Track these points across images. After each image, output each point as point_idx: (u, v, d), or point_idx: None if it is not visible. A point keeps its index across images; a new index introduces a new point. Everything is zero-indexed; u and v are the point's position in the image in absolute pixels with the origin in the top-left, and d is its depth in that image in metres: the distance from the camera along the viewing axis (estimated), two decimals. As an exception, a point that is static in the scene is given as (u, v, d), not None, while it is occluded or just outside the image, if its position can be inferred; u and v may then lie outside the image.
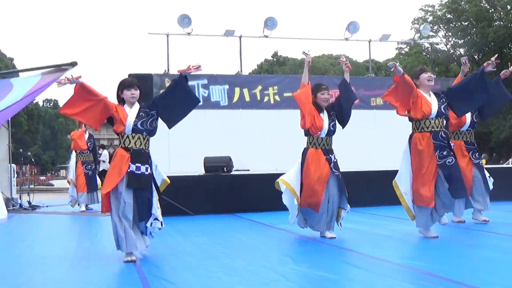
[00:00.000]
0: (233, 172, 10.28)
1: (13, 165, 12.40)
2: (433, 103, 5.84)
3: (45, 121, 56.53)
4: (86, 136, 10.99)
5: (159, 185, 5.16)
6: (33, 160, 14.40)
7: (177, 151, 11.41)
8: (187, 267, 4.59)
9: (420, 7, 44.26)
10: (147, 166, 4.98)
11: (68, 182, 11.63)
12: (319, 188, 5.90)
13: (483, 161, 7.13)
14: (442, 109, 5.84)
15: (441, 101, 5.87)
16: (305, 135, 6.18)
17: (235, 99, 12.46)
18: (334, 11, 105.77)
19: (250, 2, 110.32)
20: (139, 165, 4.91)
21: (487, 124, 32.46)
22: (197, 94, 11.08)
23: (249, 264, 4.62)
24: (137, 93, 5.06)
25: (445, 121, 6.14)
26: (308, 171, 5.97)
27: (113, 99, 5.10)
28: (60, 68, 4.07)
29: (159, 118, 5.15)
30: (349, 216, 6.47)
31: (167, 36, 12.97)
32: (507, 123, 33.69)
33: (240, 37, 13.53)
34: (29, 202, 12.26)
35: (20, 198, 12.26)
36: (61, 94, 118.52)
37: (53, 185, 27.43)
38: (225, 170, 10.02)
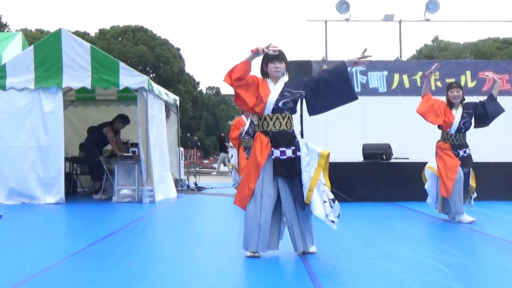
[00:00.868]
0: (392, 160, 10.11)
1: (181, 148, 13.27)
2: None
3: (208, 107, 59.61)
4: (248, 122, 11.36)
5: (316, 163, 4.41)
6: (198, 144, 15.32)
7: (335, 138, 11.43)
8: (347, 253, 4.63)
9: None
10: (293, 148, 4.47)
11: (230, 166, 12.16)
12: (451, 176, 6.52)
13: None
14: None
15: None
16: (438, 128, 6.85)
17: (394, 85, 12.16)
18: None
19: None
20: (284, 148, 4.44)
21: None
22: (354, 81, 11.02)
23: (413, 253, 4.54)
24: (282, 66, 4.54)
25: None
26: (438, 162, 6.74)
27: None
28: None
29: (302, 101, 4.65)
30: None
31: (325, 22, 13.02)
32: None
33: (399, 22, 13.18)
34: (195, 184, 13.10)
35: (187, 180, 13.15)
36: (222, 82, 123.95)
37: (215, 169, 28.96)
38: (384, 158, 9.89)
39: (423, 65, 12.87)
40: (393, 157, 10.31)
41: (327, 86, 4.54)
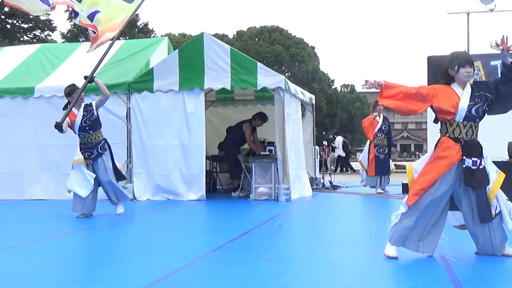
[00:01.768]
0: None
1: (316, 146, 13.33)
2: None
3: (343, 105, 59.24)
4: (381, 120, 11.13)
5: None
6: (333, 142, 15.29)
7: (481, 136, 10.86)
8: (496, 260, 4.36)
9: None
10: (482, 159, 4.33)
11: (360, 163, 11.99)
12: None
13: None
14: None
15: None
16: None
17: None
18: None
19: None
20: (476, 159, 4.28)
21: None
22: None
23: None
24: (472, 71, 4.34)
25: None
26: None
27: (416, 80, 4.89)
28: None
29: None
30: None
31: (468, 14, 12.43)
32: None
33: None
34: (330, 182, 13.09)
35: (322, 178, 13.18)
36: (357, 79, 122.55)
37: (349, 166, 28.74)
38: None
39: None
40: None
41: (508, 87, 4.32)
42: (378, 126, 11.06)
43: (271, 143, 10.50)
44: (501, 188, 4.33)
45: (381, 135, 11.10)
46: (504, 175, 4.35)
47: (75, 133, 7.27)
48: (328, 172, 13.79)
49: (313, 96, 12.97)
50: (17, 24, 37.85)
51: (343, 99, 60.44)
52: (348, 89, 66.05)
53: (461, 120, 4.33)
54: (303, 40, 52.83)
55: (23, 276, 3.94)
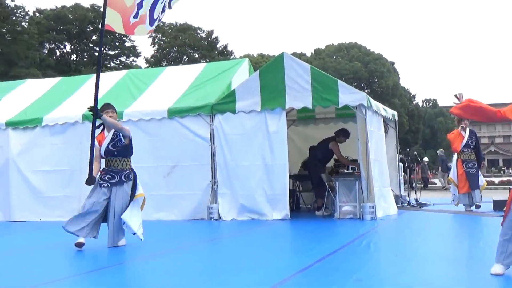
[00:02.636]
0: None
1: (400, 163, 13.03)
2: None
3: (425, 120, 57.76)
4: (467, 134, 10.73)
5: None
6: (418, 159, 14.90)
7: None
8: None
9: None
10: None
11: (449, 181, 11.60)
12: None
13: None
14: None
15: None
16: None
17: None
18: None
19: None
20: None
21: None
22: None
23: None
24: None
25: None
26: None
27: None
28: None
29: None
30: None
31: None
32: None
33: None
34: (416, 200, 12.74)
35: (408, 196, 12.85)
36: (439, 93, 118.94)
37: (435, 184, 27.84)
38: None
39: None
40: None
41: None
42: (464, 141, 10.67)
43: (354, 161, 10.38)
44: None
45: (468, 150, 10.71)
46: None
47: (102, 156, 6.79)
48: (414, 189, 13.43)
49: (395, 113, 12.73)
50: (104, 51, 39.67)
51: (425, 114, 58.95)
52: (430, 104, 64.39)
53: None
54: (382, 56, 52.12)
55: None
